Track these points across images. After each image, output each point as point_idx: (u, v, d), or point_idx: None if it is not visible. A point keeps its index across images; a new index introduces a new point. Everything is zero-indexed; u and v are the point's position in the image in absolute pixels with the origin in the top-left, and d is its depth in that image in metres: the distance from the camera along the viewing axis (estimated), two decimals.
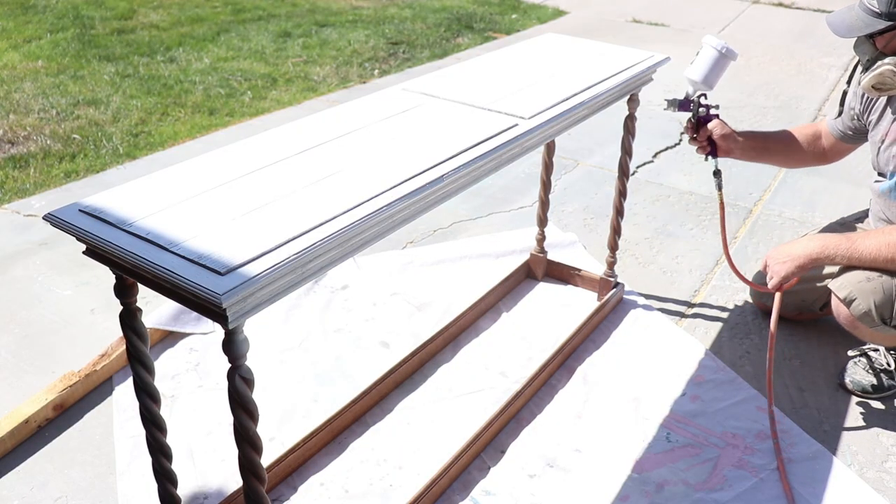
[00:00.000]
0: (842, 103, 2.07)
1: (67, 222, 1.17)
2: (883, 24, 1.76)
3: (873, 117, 2.02)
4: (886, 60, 1.81)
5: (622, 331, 2.36)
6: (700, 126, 2.17)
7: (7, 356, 2.21)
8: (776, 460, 1.86)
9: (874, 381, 2.09)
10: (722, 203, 2.22)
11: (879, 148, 2.01)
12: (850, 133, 2.16)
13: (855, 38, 1.87)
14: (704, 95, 2.12)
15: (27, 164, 3.45)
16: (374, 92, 1.84)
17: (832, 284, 1.93)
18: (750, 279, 2.46)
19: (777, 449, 1.88)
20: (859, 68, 1.93)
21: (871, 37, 1.82)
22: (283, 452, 1.81)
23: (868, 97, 2.03)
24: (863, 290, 1.88)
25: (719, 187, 2.20)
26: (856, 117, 2.10)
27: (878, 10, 1.75)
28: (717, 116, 2.18)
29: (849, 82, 2.00)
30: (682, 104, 2.12)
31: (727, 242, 2.23)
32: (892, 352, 2.10)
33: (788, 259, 1.95)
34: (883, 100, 1.97)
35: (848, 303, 1.89)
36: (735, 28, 6.26)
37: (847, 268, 1.93)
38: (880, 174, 2.04)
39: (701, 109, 2.14)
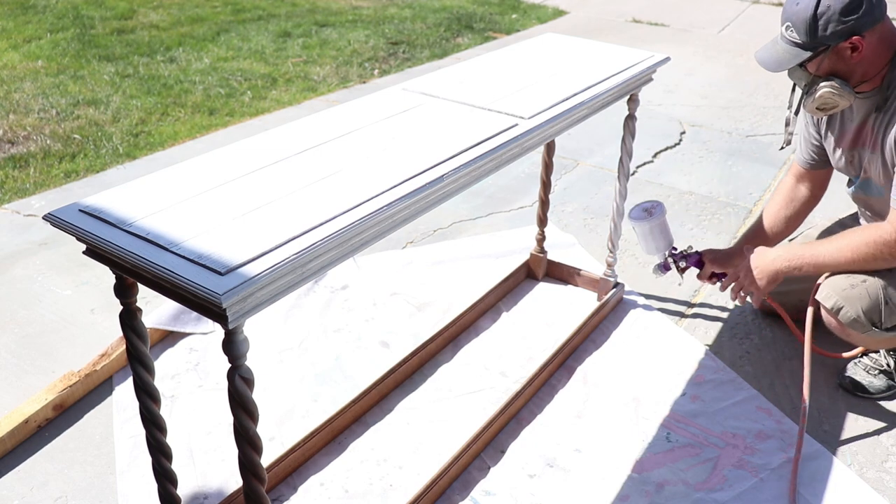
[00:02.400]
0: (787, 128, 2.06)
1: (67, 222, 1.17)
2: (807, 55, 1.79)
3: (831, 133, 2.04)
4: (823, 84, 1.83)
5: (622, 331, 2.36)
6: (693, 270, 2.22)
7: (7, 356, 2.21)
8: (791, 464, 1.86)
9: (874, 382, 2.09)
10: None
11: (842, 157, 2.02)
12: (817, 158, 2.13)
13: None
14: (673, 248, 2.17)
15: (27, 164, 3.45)
16: (374, 92, 1.84)
17: (818, 296, 1.94)
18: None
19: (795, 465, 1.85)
20: (797, 92, 1.94)
21: (801, 65, 1.85)
22: (283, 452, 1.81)
23: (817, 118, 2.05)
24: (849, 297, 1.89)
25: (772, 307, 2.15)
26: (815, 140, 2.11)
27: (799, 41, 1.78)
28: (698, 256, 2.19)
29: (790, 107, 2.01)
30: (664, 267, 2.20)
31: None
32: (891, 352, 2.10)
33: (760, 276, 1.99)
34: (835, 115, 1.99)
35: (836, 312, 1.90)
36: (735, 28, 6.26)
37: (831, 275, 1.94)
38: (849, 181, 2.08)
39: (680, 262, 2.19)
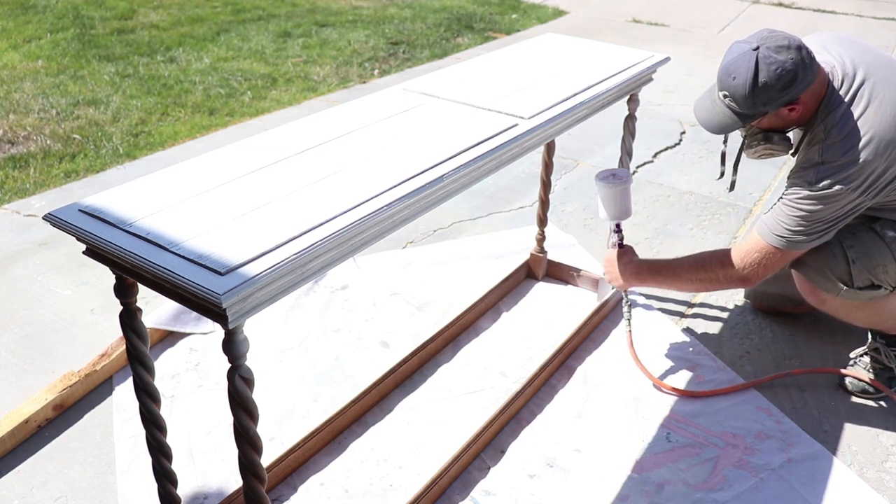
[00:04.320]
0: (722, 163, 2.09)
1: (67, 222, 1.17)
2: (748, 122, 1.84)
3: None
4: (761, 144, 1.90)
5: (622, 331, 2.36)
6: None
7: (7, 356, 2.21)
8: None
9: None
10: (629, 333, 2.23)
11: None
12: None
13: None
14: (618, 226, 2.20)
15: (27, 164, 3.45)
16: (374, 92, 1.84)
17: (790, 266, 2.01)
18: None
19: None
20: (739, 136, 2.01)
21: None
22: (283, 452, 1.81)
23: None
24: (817, 260, 1.94)
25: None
26: None
27: (738, 111, 1.80)
28: (621, 246, 2.22)
29: (725, 142, 2.04)
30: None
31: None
32: (893, 349, 2.10)
33: (612, 279, 2.20)
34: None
35: (807, 276, 1.96)
36: (735, 28, 6.26)
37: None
38: None
39: (615, 238, 2.22)
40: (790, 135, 1.93)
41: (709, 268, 2.00)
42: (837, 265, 1.91)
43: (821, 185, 1.77)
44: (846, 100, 1.77)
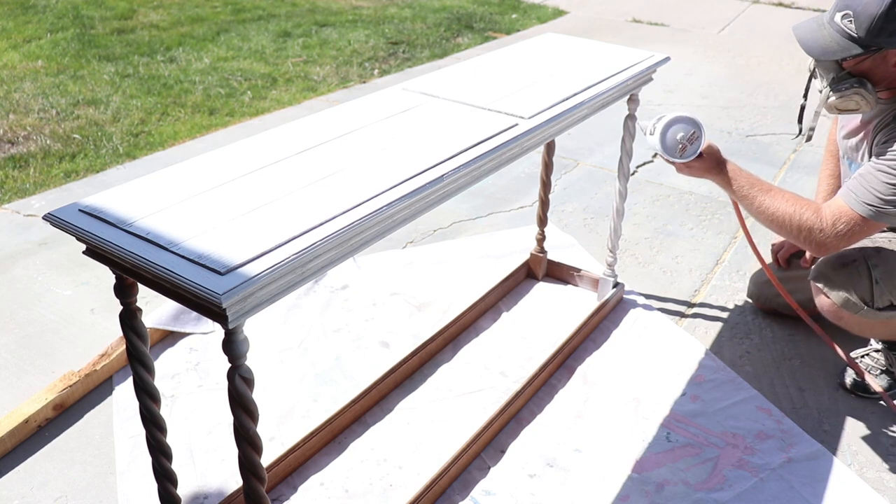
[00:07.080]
0: (800, 120, 2.01)
1: (67, 222, 1.17)
2: (858, 51, 1.69)
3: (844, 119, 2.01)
4: (854, 88, 1.75)
5: (622, 331, 2.36)
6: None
7: (7, 356, 2.21)
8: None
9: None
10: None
11: (844, 139, 2.01)
12: None
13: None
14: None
15: (27, 164, 3.45)
16: (374, 92, 1.84)
17: (811, 276, 1.98)
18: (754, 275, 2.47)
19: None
20: (817, 81, 1.85)
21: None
22: (283, 452, 1.81)
23: None
24: (840, 276, 1.91)
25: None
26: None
27: (854, 35, 1.67)
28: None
29: (805, 96, 1.94)
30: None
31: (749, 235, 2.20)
32: (893, 352, 2.10)
33: (705, 167, 1.94)
34: None
35: (828, 291, 1.93)
36: (735, 28, 6.26)
37: (823, 260, 1.98)
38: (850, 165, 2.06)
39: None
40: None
41: (790, 224, 1.82)
42: (861, 284, 1.89)
43: None
44: None
